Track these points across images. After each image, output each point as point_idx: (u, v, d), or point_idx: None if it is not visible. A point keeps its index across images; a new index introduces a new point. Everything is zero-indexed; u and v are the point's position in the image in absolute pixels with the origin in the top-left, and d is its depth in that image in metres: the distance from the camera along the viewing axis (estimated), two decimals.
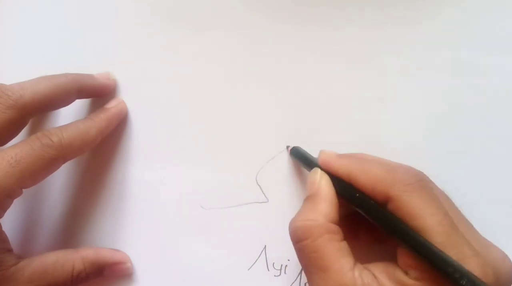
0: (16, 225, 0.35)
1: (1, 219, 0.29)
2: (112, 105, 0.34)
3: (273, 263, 0.34)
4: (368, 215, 0.27)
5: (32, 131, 0.35)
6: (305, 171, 0.33)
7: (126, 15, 0.35)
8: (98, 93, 0.35)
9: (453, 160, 0.33)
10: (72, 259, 0.32)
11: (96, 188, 0.35)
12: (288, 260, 0.34)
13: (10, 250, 0.30)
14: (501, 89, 0.33)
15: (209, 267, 0.35)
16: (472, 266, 0.23)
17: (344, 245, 0.26)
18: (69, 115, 0.35)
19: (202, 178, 0.35)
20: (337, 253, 0.26)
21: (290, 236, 0.28)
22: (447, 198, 0.28)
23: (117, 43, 0.36)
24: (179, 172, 0.35)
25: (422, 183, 0.26)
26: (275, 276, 0.34)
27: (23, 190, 0.29)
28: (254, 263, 0.34)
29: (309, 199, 0.29)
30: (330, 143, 0.33)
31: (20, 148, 0.29)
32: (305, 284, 0.34)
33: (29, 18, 0.36)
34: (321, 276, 0.26)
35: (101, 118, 0.33)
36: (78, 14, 0.36)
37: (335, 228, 0.27)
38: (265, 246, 0.34)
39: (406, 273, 0.25)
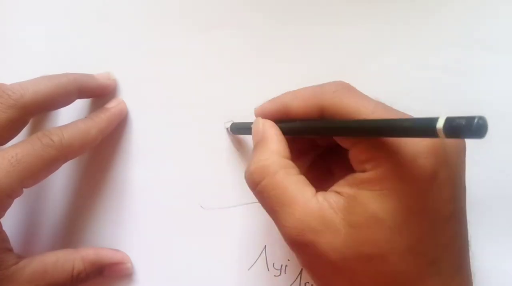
0: (16, 225, 0.35)
1: (2, 218, 0.29)
2: (112, 105, 0.34)
3: (273, 263, 0.34)
4: (313, 134, 0.28)
5: (33, 131, 0.36)
6: None
7: (127, 15, 0.36)
8: (99, 94, 0.35)
9: None
10: (72, 259, 0.32)
11: (96, 188, 0.35)
12: (288, 260, 0.34)
13: (10, 250, 0.30)
14: (501, 89, 0.33)
15: (209, 267, 0.35)
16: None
17: (301, 178, 0.26)
18: (69, 115, 0.35)
19: (202, 178, 0.35)
20: (297, 185, 0.26)
21: (248, 183, 0.27)
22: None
23: (117, 43, 0.36)
24: (179, 172, 0.35)
25: (348, 86, 0.27)
26: (275, 276, 0.34)
27: (24, 189, 0.29)
28: (254, 263, 0.34)
29: (257, 144, 0.28)
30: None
31: (20, 147, 0.29)
32: (305, 284, 0.34)
33: (29, 18, 0.36)
34: (287, 211, 0.25)
35: (102, 118, 0.33)
36: (78, 14, 0.36)
37: (289, 162, 0.27)
38: (265, 246, 0.34)
39: (364, 170, 0.24)
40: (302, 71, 0.34)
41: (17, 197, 0.29)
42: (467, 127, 0.18)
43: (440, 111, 0.33)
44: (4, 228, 0.30)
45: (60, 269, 0.31)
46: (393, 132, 0.22)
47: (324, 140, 0.31)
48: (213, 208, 0.35)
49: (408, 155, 0.23)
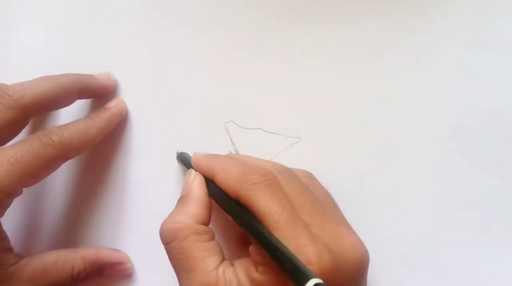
0: (16, 224, 0.35)
1: (2, 218, 0.29)
2: (112, 104, 0.35)
3: None
4: (226, 211, 0.28)
5: (33, 131, 0.36)
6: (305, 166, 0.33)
7: (127, 15, 0.36)
8: (99, 94, 0.35)
9: (453, 159, 0.33)
10: (72, 258, 0.32)
11: (97, 188, 0.35)
12: None
13: (10, 249, 0.30)
14: (501, 89, 0.33)
15: None
16: (307, 253, 0.24)
17: (211, 244, 0.27)
18: (69, 115, 0.35)
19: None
20: (202, 253, 0.26)
21: (160, 237, 0.28)
22: (305, 191, 0.28)
23: (117, 43, 0.36)
24: (179, 171, 0.35)
25: (268, 182, 0.27)
26: None
27: (24, 189, 0.29)
28: None
29: (180, 200, 0.30)
30: (333, 141, 0.33)
31: (20, 146, 0.29)
32: None
33: (29, 18, 0.36)
34: (187, 277, 0.26)
35: (102, 118, 0.33)
36: (78, 14, 0.36)
37: (203, 229, 0.28)
38: None
39: (256, 269, 0.25)
40: (302, 71, 0.34)
41: (17, 196, 0.29)
42: None
43: (440, 111, 0.33)
44: (4, 227, 0.30)
45: (60, 268, 0.31)
46: (277, 254, 0.23)
47: None
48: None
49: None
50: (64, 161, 0.31)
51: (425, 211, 0.32)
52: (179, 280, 0.27)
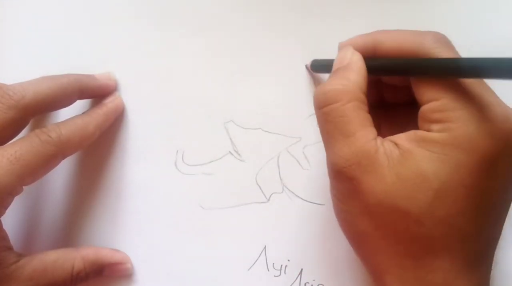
0: (16, 223, 0.35)
1: (2, 217, 0.29)
2: (109, 100, 0.35)
3: (273, 263, 0.34)
4: (402, 72, 0.27)
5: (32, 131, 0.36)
6: (305, 166, 0.33)
7: (127, 15, 0.36)
8: (99, 94, 0.35)
9: None
10: (72, 258, 0.32)
11: (97, 188, 0.35)
12: (288, 260, 0.34)
13: (10, 248, 0.30)
14: (501, 89, 0.33)
15: (209, 267, 0.35)
16: (497, 112, 0.23)
17: (369, 117, 0.26)
18: (69, 115, 0.35)
19: (202, 178, 0.35)
20: (363, 121, 0.26)
21: (316, 100, 0.27)
22: None
23: (117, 43, 0.36)
24: (179, 171, 0.35)
25: (448, 43, 0.26)
26: (275, 276, 0.34)
27: (24, 188, 0.30)
28: (254, 263, 0.34)
29: (339, 69, 0.28)
30: None
31: (19, 145, 0.29)
32: (305, 284, 0.34)
33: (30, 18, 0.36)
34: (345, 141, 0.25)
35: (99, 114, 0.33)
36: (78, 14, 0.36)
37: (364, 98, 0.26)
38: (265, 246, 0.34)
39: (428, 130, 0.24)
40: (302, 71, 0.34)
41: (17, 194, 0.29)
42: None
43: None
44: (4, 226, 0.30)
45: (60, 268, 0.31)
46: (499, 71, 0.21)
47: (391, 93, 0.31)
48: (213, 208, 0.35)
49: (480, 131, 0.23)
50: (63, 158, 0.31)
51: None
52: (331, 143, 0.26)
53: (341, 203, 0.27)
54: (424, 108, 0.25)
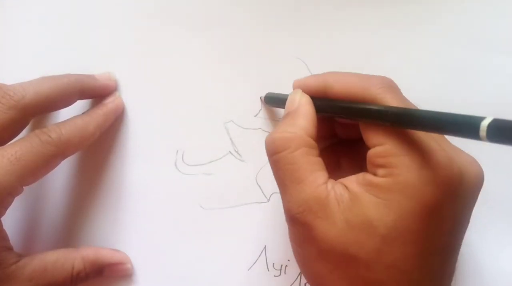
0: (16, 224, 0.35)
1: (2, 217, 0.29)
2: (109, 100, 0.35)
3: (273, 263, 0.34)
4: (347, 115, 0.27)
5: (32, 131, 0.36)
6: None
7: (127, 15, 0.36)
8: (100, 94, 0.35)
9: None
10: (72, 258, 0.32)
11: (96, 188, 0.35)
12: (288, 260, 0.34)
13: (10, 248, 0.30)
14: (501, 89, 0.33)
15: (209, 267, 0.35)
16: (438, 158, 0.24)
17: (319, 160, 0.27)
18: (69, 115, 0.35)
19: (202, 178, 0.35)
20: (312, 166, 0.26)
21: (267, 148, 0.28)
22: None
23: (117, 43, 0.36)
24: (179, 171, 0.35)
25: (392, 86, 0.27)
26: (275, 276, 0.34)
27: (24, 188, 0.30)
28: (254, 263, 0.34)
29: (288, 115, 0.29)
30: None
31: (19, 145, 0.29)
32: (305, 284, 0.34)
33: (30, 18, 0.36)
34: (295, 188, 0.26)
35: (99, 114, 0.33)
36: (79, 14, 0.36)
37: (313, 143, 0.27)
38: (265, 246, 0.34)
39: (375, 174, 0.25)
40: (302, 71, 0.34)
41: (17, 195, 0.29)
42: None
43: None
44: (4, 226, 0.30)
45: (60, 268, 0.31)
46: (436, 125, 0.22)
47: (344, 130, 0.31)
48: (213, 208, 0.35)
49: (422, 177, 0.23)
50: (63, 158, 0.31)
51: None
52: (283, 191, 0.27)
53: (298, 247, 0.27)
54: (370, 153, 0.25)
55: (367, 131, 0.26)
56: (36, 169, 0.29)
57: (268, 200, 0.34)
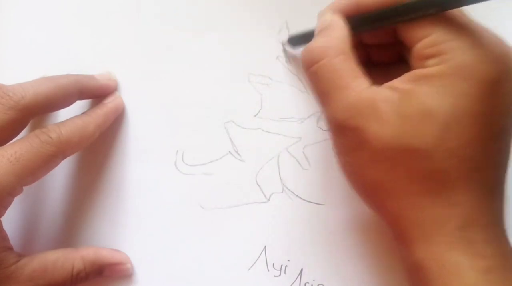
0: (16, 224, 0.35)
1: (2, 217, 0.29)
2: (109, 100, 0.35)
3: (273, 263, 0.34)
4: (387, 21, 0.26)
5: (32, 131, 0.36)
6: (305, 166, 0.32)
7: (127, 15, 0.36)
8: (99, 94, 0.35)
9: None
10: (72, 258, 0.32)
11: (97, 188, 0.36)
12: (288, 260, 0.34)
13: (10, 248, 0.30)
14: None
15: (209, 267, 0.35)
16: (489, 37, 0.24)
17: (360, 67, 0.26)
18: (69, 115, 0.35)
19: (202, 178, 0.35)
20: (355, 72, 0.26)
21: (304, 61, 0.27)
22: None
23: (117, 43, 0.36)
24: (179, 171, 0.35)
25: None
26: (275, 276, 0.34)
27: (24, 188, 0.30)
28: (254, 263, 0.34)
29: (321, 31, 0.28)
30: None
31: (19, 145, 0.29)
32: (305, 284, 0.34)
33: (30, 18, 0.36)
34: (340, 95, 0.25)
35: (99, 114, 0.33)
36: (78, 14, 0.36)
37: (351, 51, 0.27)
38: (265, 246, 0.34)
39: (424, 67, 0.24)
40: (302, 71, 0.34)
41: (17, 195, 0.29)
42: None
43: None
44: (4, 226, 0.30)
45: (59, 268, 0.31)
46: None
47: (380, 52, 0.31)
48: (213, 208, 0.35)
49: (477, 57, 0.23)
50: (63, 158, 0.31)
51: None
52: (326, 100, 0.26)
53: (347, 156, 0.26)
54: (417, 47, 0.25)
55: (409, 31, 0.25)
56: (36, 169, 0.29)
57: (268, 200, 0.34)
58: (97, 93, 0.35)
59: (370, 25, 0.28)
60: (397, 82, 0.25)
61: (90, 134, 0.32)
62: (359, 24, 0.28)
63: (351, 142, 0.26)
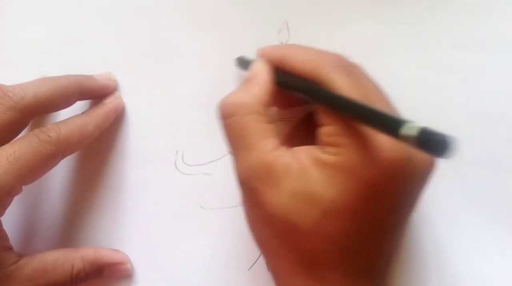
0: (16, 223, 0.36)
1: (2, 217, 0.29)
2: (109, 100, 0.35)
3: None
4: (296, 91, 0.27)
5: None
6: None
7: (126, 15, 0.36)
8: (99, 95, 0.35)
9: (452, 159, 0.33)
10: (71, 258, 0.32)
11: (96, 188, 0.36)
12: None
13: (10, 248, 0.30)
14: (501, 89, 0.33)
15: (209, 267, 0.35)
16: (382, 140, 0.24)
17: (270, 127, 0.27)
18: (69, 115, 0.35)
19: (202, 178, 0.35)
20: (261, 133, 0.26)
21: (219, 111, 0.28)
22: (372, 81, 0.28)
23: (117, 43, 0.36)
24: (179, 171, 0.35)
25: (347, 67, 0.27)
26: None
27: (23, 188, 0.30)
28: (254, 263, 0.34)
29: (244, 82, 0.29)
30: None
31: (18, 145, 0.29)
32: None
33: (30, 18, 0.36)
34: (244, 154, 0.26)
35: (98, 113, 0.33)
36: (78, 14, 0.36)
37: (264, 110, 0.27)
38: None
39: (324, 150, 0.25)
40: None
41: (16, 194, 0.29)
42: (437, 143, 0.19)
43: (441, 112, 0.33)
44: (4, 226, 0.30)
45: (59, 268, 0.31)
46: (368, 118, 0.23)
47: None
48: (213, 208, 0.35)
49: (365, 159, 0.24)
50: (62, 158, 0.31)
51: (424, 210, 0.32)
52: (235, 157, 0.27)
53: (246, 209, 0.28)
54: (321, 130, 0.26)
55: (319, 111, 0.26)
56: (35, 168, 0.29)
57: None
58: (97, 93, 0.35)
59: (289, 88, 0.29)
60: (302, 152, 0.26)
61: (89, 134, 0.32)
62: (280, 81, 0.29)
63: (249, 199, 0.27)
